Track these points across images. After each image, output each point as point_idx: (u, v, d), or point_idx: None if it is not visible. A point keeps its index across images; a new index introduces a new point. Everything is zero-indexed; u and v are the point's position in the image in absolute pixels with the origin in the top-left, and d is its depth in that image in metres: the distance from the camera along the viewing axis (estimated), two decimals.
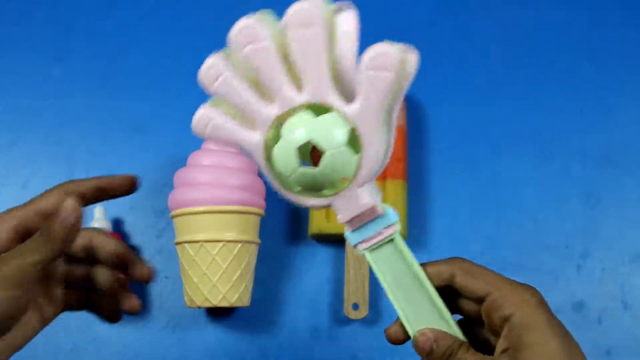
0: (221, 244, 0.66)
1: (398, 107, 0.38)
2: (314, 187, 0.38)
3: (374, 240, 0.39)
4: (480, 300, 0.38)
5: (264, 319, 0.71)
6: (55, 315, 0.44)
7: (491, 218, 0.75)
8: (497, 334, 0.38)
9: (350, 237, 0.39)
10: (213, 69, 0.38)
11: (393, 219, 0.39)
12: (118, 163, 0.77)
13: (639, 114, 0.78)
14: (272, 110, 0.37)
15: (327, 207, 0.39)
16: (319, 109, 0.37)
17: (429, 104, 0.79)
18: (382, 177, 0.73)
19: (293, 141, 0.36)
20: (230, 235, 0.66)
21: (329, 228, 0.71)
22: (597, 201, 0.75)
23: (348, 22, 0.37)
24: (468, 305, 0.40)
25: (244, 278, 0.67)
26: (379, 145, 0.37)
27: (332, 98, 0.36)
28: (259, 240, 0.69)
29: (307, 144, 0.37)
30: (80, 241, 0.43)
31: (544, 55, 0.81)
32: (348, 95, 0.37)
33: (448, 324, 0.39)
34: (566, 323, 0.38)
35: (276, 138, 0.37)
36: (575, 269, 0.73)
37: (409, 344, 0.41)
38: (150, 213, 0.75)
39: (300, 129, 0.36)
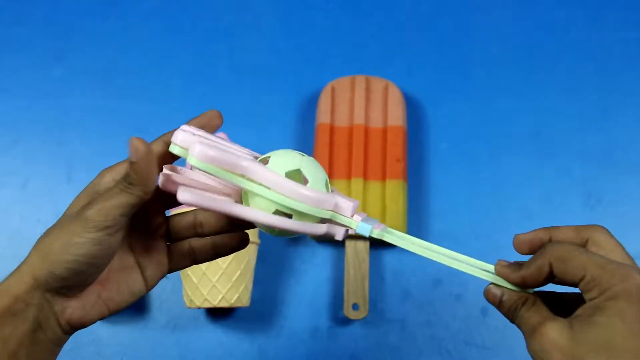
0: None
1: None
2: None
3: (382, 225, 0.42)
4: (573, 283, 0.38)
5: (263, 319, 0.71)
6: (161, 275, 0.44)
7: (491, 218, 0.75)
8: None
9: (363, 227, 0.41)
10: (184, 142, 0.42)
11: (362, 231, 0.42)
12: None
13: (639, 114, 0.79)
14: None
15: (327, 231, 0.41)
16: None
17: (429, 104, 0.79)
18: (382, 177, 0.73)
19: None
20: None
21: None
22: (597, 201, 0.75)
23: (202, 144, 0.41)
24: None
25: (244, 278, 0.67)
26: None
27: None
28: (258, 240, 0.69)
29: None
30: (184, 221, 0.45)
31: (544, 55, 0.81)
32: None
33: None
34: None
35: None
36: None
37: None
38: None
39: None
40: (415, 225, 0.74)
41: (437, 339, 0.70)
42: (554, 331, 0.36)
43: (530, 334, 0.37)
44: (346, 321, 0.71)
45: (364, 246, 0.71)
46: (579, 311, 0.36)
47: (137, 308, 0.72)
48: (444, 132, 0.78)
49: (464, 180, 0.76)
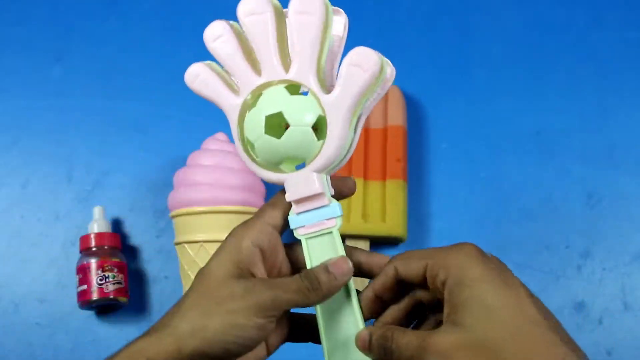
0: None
1: (366, 114, 0.40)
2: (274, 159, 0.39)
3: (314, 229, 0.40)
4: (425, 279, 0.38)
5: None
6: (282, 342, 0.43)
7: (491, 218, 0.74)
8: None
9: (292, 220, 0.40)
10: (216, 29, 0.41)
11: (337, 212, 0.40)
12: (118, 163, 0.77)
13: (639, 114, 0.78)
14: (256, 80, 0.39)
15: (281, 183, 0.40)
16: (296, 90, 0.39)
17: (429, 104, 0.79)
18: (382, 177, 0.73)
19: (265, 109, 0.39)
20: None
21: None
22: (597, 201, 0.75)
23: (339, 26, 0.40)
24: (425, 294, 0.39)
25: None
26: (342, 139, 0.38)
27: (312, 82, 0.38)
28: None
29: (277, 117, 0.39)
30: None
31: (544, 55, 0.81)
32: (326, 89, 0.39)
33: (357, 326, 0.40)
34: (567, 323, 0.38)
35: (252, 106, 0.40)
36: (576, 269, 0.73)
37: None
38: (150, 213, 0.75)
39: (275, 101, 0.39)
40: (415, 225, 0.74)
41: None
42: (441, 342, 0.34)
43: (419, 356, 0.35)
44: None
45: (364, 246, 0.71)
46: (446, 310, 0.35)
47: (137, 308, 0.72)
48: (444, 132, 0.78)
49: (464, 180, 0.76)
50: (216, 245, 0.65)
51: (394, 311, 0.40)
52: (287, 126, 0.39)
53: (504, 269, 0.37)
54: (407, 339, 0.36)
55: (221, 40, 0.40)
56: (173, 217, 0.68)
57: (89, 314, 0.72)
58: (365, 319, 0.40)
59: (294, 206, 0.40)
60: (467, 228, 0.74)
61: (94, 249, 0.70)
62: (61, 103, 0.80)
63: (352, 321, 0.40)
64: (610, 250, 0.73)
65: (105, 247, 0.70)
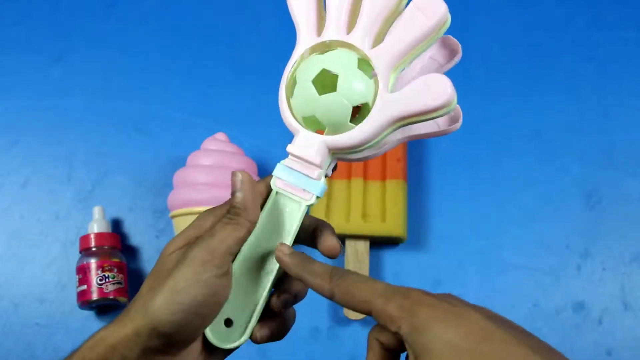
0: None
1: (409, 137, 0.40)
2: (303, 108, 0.39)
3: (290, 189, 0.39)
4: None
5: None
6: (270, 333, 0.41)
7: (491, 218, 0.74)
8: None
9: (278, 168, 0.39)
10: None
11: (317, 190, 0.39)
12: (118, 163, 0.77)
13: (639, 114, 0.78)
14: (344, 35, 0.39)
15: (294, 131, 0.40)
16: (366, 68, 0.38)
17: None
18: (382, 177, 0.73)
19: (327, 63, 0.38)
20: None
21: None
22: (597, 201, 0.75)
23: (451, 46, 0.41)
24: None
25: None
26: (371, 136, 0.37)
27: (385, 71, 0.37)
28: None
29: (332, 77, 0.38)
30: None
31: (544, 55, 0.81)
32: (393, 85, 0.38)
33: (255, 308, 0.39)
34: (566, 323, 0.38)
35: (320, 53, 0.39)
36: (576, 269, 0.73)
37: None
38: (149, 213, 0.75)
39: (340, 63, 0.38)
40: (415, 225, 0.74)
41: None
42: None
43: None
44: (346, 321, 0.71)
45: (364, 246, 0.71)
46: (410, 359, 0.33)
47: None
48: None
49: (464, 180, 0.76)
50: None
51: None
52: (331, 90, 0.38)
53: (452, 301, 0.34)
54: None
55: None
56: (173, 217, 0.68)
57: (89, 314, 0.72)
58: None
59: (288, 158, 0.39)
60: (467, 228, 0.74)
61: (93, 249, 0.70)
62: (61, 103, 0.80)
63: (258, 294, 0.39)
64: (610, 250, 0.73)
65: (105, 247, 0.70)
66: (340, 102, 0.38)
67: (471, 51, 0.81)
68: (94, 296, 0.68)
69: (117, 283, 0.69)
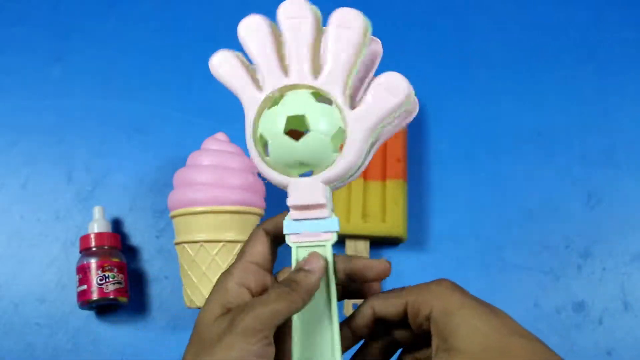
0: (221, 244, 0.66)
1: (381, 141, 0.40)
2: (285, 161, 0.39)
3: (308, 239, 0.39)
4: (405, 318, 0.37)
5: None
6: None
7: (491, 218, 0.74)
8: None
9: (287, 225, 0.39)
10: (252, 22, 0.42)
11: (334, 227, 0.39)
12: (118, 163, 0.77)
13: (639, 114, 0.78)
14: (284, 79, 0.39)
15: (285, 185, 0.39)
16: (321, 99, 0.39)
17: (429, 104, 0.79)
18: (382, 177, 0.73)
19: (288, 110, 0.39)
20: (229, 235, 0.66)
21: None
22: (597, 201, 0.75)
23: (374, 48, 0.40)
24: (403, 333, 0.39)
25: None
26: (359, 157, 0.38)
27: (339, 94, 0.38)
28: None
29: (299, 120, 0.38)
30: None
31: (544, 55, 0.81)
32: (351, 105, 0.38)
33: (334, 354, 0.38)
34: (567, 323, 0.38)
35: (274, 104, 0.40)
36: (576, 269, 0.73)
37: None
38: (149, 213, 0.75)
39: (299, 104, 0.38)
40: (415, 225, 0.74)
41: None
42: None
43: None
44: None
45: (364, 246, 0.71)
46: (435, 343, 0.35)
47: (137, 308, 0.72)
48: (444, 132, 0.78)
49: (464, 180, 0.76)
50: (216, 246, 0.65)
51: (371, 349, 0.40)
52: (301, 134, 0.38)
53: (480, 299, 0.37)
54: None
55: (256, 32, 0.41)
56: (173, 217, 0.68)
57: (89, 314, 0.72)
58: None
59: (291, 212, 0.39)
60: (467, 228, 0.74)
61: (93, 249, 0.70)
62: (61, 103, 0.80)
63: (328, 349, 0.38)
64: (610, 250, 0.73)
65: (105, 247, 0.70)
66: (319, 138, 0.38)
67: (471, 51, 0.81)
68: (94, 296, 0.68)
69: (118, 283, 0.69)
